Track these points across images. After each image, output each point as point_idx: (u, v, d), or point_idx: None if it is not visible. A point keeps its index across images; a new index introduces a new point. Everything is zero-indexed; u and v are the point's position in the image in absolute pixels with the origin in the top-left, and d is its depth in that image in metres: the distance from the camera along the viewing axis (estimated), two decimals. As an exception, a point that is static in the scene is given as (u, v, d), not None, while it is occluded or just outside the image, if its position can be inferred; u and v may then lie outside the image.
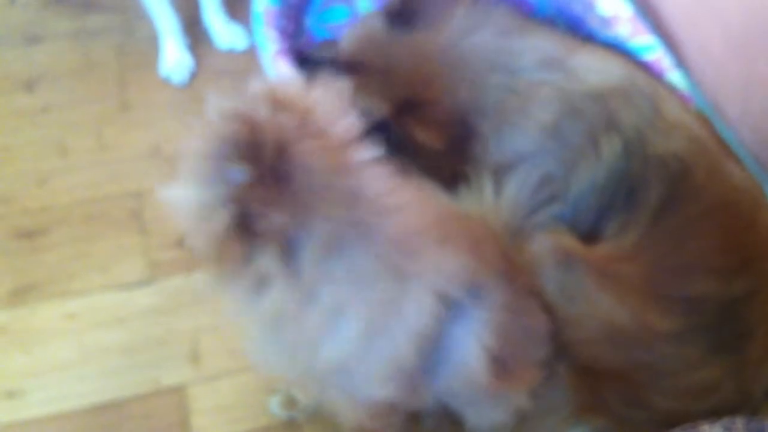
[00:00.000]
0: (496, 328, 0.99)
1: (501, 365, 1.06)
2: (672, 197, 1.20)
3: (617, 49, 1.41)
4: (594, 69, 1.30)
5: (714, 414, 1.07)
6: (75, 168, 1.69)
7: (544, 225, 1.24)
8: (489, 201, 1.27)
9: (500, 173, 1.28)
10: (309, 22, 1.68)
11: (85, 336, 1.43)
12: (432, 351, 0.95)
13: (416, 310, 0.90)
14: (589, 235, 1.23)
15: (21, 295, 1.47)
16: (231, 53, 1.96)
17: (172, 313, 1.46)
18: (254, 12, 1.51)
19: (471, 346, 0.98)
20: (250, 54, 1.95)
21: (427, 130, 1.32)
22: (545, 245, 1.20)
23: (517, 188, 1.28)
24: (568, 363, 1.19)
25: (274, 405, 1.34)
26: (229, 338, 1.42)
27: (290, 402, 1.34)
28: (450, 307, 0.93)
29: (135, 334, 1.43)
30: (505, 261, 1.09)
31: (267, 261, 0.82)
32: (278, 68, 1.44)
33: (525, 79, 1.30)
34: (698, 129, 1.26)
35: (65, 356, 1.40)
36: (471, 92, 1.32)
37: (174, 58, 1.87)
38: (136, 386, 1.36)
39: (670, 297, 1.16)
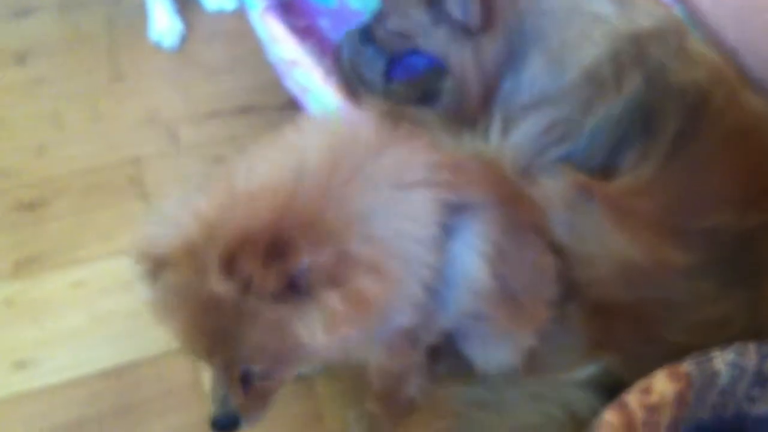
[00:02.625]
0: (495, 244, 0.98)
1: (509, 299, 1.06)
2: (690, 126, 1.19)
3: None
4: (646, 11, 1.29)
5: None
6: (72, 139, 1.68)
7: (553, 165, 1.23)
8: (494, 142, 1.26)
9: (517, 117, 1.27)
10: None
11: (93, 303, 1.43)
12: (440, 267, 0.94)
13: (416, 222, 0.91)
14: (604, 171, 1.22)
15: (26, 266, 1.47)
16: (221, 14, 1.95)
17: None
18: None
19: (472, 259, 0.97)
20: (240, 14, 1.93)
21: None
22: (554, 185, 1.19)
23: (524, 131, 1.28)
24: (579, 302, 1.18)
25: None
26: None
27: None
28: (447, 218, 0.93)
29: (141, 300, 1.42)
30: (506, 190, 1.08)
31: None
32: (267, 26, 1.42)
33: (588, 8, 1.28)
34: (719, 61, 1.25)
35: (75, 324, 1.40)
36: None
37: (163, 23, 1.85)
38: (146, 349, 1.36)
39: (685, 230, 1.15)
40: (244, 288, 0.79)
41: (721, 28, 1.46)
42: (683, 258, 1.13)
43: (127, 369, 1.34)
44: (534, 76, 1.32)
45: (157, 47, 1.85)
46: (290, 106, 1.70)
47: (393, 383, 1.17)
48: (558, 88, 1.30)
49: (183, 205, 0.88)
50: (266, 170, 0.89)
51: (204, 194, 0.89)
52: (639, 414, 1.01)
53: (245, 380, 0.88)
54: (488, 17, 1.31)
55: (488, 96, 1.36)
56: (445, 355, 1.21)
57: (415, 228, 0.91)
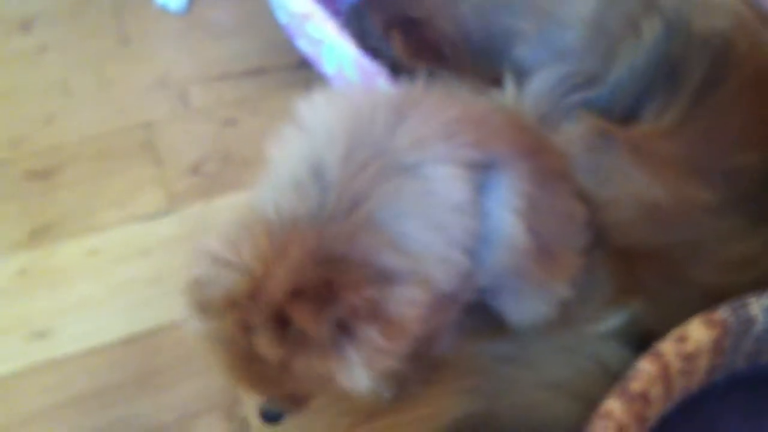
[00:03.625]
0: (526, 198, 0.95)
1: (543, 251, 1.03)
2: (714, 74, 1.15)
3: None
4: None
5: (755, 287, 1.05)
6: (81, 105, 1.65)
7: (575, 111, 1.20)
8: (510, 96, 1.22)
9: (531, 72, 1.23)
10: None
11: (109, 270, 1.40)
12: (475, 227, 0.92)
13: (452, 188, 0.88)
14: (626, 119, 1.19)
15: (39, 235, 1.44)
16: (228, -25, 1.90)
17: (195, 240, 1.42)
18: None
19: (506, 215, 0.94)
20: (248, -26, 1.89)
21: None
22: (575, 128, 1.16)
23: (541, 79, 1.24)
24: (604, 248, 1.15)
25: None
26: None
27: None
28: (476, 177, 0.90)
29: (160, 264, 1.40)
30: (529, 140, 1.05)
31: None
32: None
33: None
34: (738, 5, 1.20)
35: (92, 292, 1.38)
36: None
37: (169, -16, 1.81)
38: (166, 315, 1.33)
39: (709, 171, 1.12)
40: (294, 342, 0.79)
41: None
42: (708, 196, 1.10)
43: (146, 336, 1.32)
44: (530, 53, 1.28)
45: (164, 10, 1.81)
46: (302, 66, 1.66)
47: (424, 341, 1.14)
48: (572, 42, 1.26)
49: (227, 244, 0.86)
50: (288, 190, 0.88)
51: (242, 231, 0.87)
52: (675, 363, 0.99)
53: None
54: (419, 48, 1.29)
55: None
56: (472, 311, 1.18)
57: (449, 199, 0.89)
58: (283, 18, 1.50)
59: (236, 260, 0.82)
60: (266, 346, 0.79)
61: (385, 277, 0.82)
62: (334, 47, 1.34)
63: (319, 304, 0.78)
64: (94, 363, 1.29)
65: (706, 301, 1.06)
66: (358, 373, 0.81)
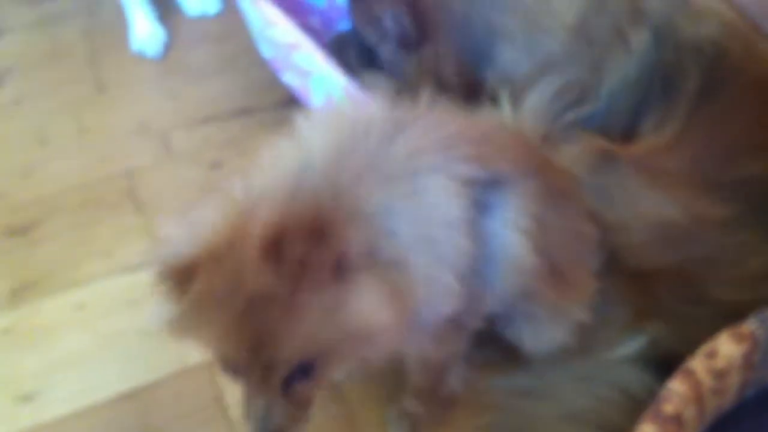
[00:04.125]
0: (534, 217, 0.91)
1: (555, 273, 0.99)
2: (710, 82, 1.14)
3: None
4: None
5: (774, 301, 1.01)
6: (59, 155, 1.59)
7: (573, 129, 1.17)
8: (507, 113, 1.19)
9: (527, 85, 1.20)
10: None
11: (98, 324, 1.33)
12: (480, 247, 0.87)
13: (441, 208, 0.83)
14: (625, 135, 1.16)
15: (22, 293, 1.37)
16: (204, 18, 1.87)
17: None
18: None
19: (512, 236, 0.90)
20: (224, 17, 1.87)
21: None
22: (576, 149, 1.13)
23: (537, 97, 1.21)
24: (618, 271, 1.11)
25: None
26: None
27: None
28: (477, 197, 0.86)
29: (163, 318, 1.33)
30: (536, 158, 1.01)
31: None
32: (261, 10, 1.35)
33: None
34: (727, 12, 1.19)
35: (80, 348, 1.30)
36: None
37: (145, 30, 1.77)
38: (161, 368, 1.26)
39: (718, 183, 1.09)
40: (293, 275, 0.72)
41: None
42: (720, 211, 1.08)
43: (142, 392, 1.24)
44: (512, 57, 1.26)
45: (140, 56, 1.77)
46: (287, 105, 1.63)
47: (434, 376, 1.09)
48: (556, 50, 1.23)
49: (194, 218, 0.83)
50: (269, 175, 0.84)
51: (213, 203, 0.84)
52: (706, 381, 0.94)
53: (285, 389, 0.80)
54: (423, 28, 1.27)
55: (470, 93, 1.30)
56: (483, 343, 1.13)
57: (441, 214, 0.84)
58: (267, 52, 1.46)
59: (215, 217, 0.79)
60: (264, 275, 0.72)
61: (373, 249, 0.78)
62: (323, 77, 1.30)
63: (316, 237, 0.72)
64: (88, 424, 1.22)
65: (726, 319, 1.02)
66: (377, 303, 0.76)
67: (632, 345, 1.13)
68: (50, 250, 1.44)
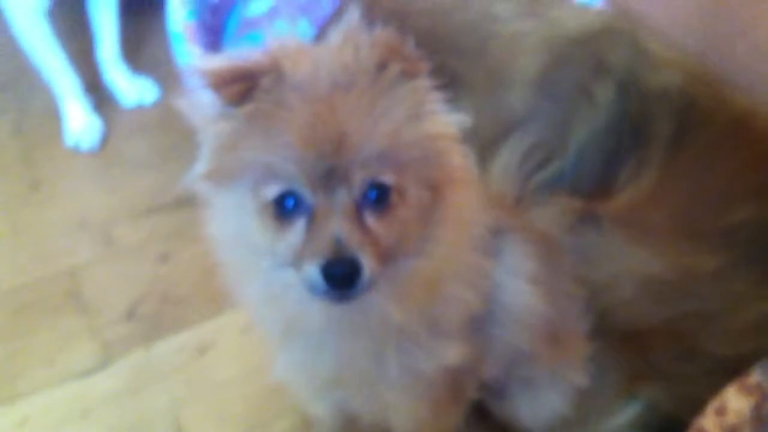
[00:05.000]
0: (533, 269, 0.88)
1: (551, 333, 0.95)
2: (682, 130, 1.12)
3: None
4: (572, 16, 1.24)
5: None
6: (-7, 258, 1.48)
7: (544, 191, 1.13)
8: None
9: (491, 146, 1.16)
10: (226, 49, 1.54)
11: (43, 441, 1.21)
12: (488, 297, 0.84)
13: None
14: (599, 188, 1.13)
15: (-44, 411, 1.24)
16: (141, 108, 1.80)
17: (141, 392, 1.26)
18: (172, 33, 1.36)
19: (520, 283, 0.88)
20: (162, 106, 1.80)
21: None
22: (551, 211, 1.09)
23: (505, 159, 1.18)
24: (608, 332, 1.07)
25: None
26: (214, 404, 1.24)
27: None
28: (490, 243, 0.83)
29: (105, 426, 1.22)
30: (518, 217, 0.98)
31: None
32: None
33: (507, 28, 1.20)
34: (688, 61, 1.19)
35: (25, 472, 1.17)
36: (442, 26, 1.21)
37: (80, 122, 1.69)
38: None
39: (705, 233, 1.07)
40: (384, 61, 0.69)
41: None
42: (710, 261, 1.04)
43: None
44: (474, 109, 1.23)
45: (76, 150, 1.68)
46: (235, 190, 1.55)
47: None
48: (519, 106, 1.21)
49: None
50: None
51: None
52: (720, 438, 0.89)
53: (359, 217, 0.70)
54: None
55: None
56: (476, 424, 1.06)
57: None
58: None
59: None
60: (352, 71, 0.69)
61: None
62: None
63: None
64: None
65: (722, 374, 0.97)
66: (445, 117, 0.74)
67: (629, 412, 1.08)
68: (-15, 361, 1.31)
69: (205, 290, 1.40)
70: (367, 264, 0.68)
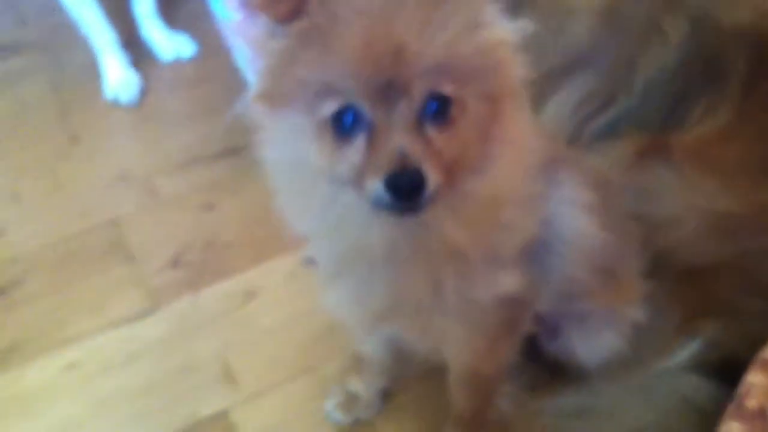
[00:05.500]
0: (589, 199, 0.86)
1: (605, 269, 0.92)
2: (757, 67, 1.08)
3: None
4: None
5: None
6: (35, 211, 1.48)
7: (598, 138, 1.10)
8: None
9: (553, 78, 1.13)
10: None
11: (91, 386, 1.20)
12: (543, 226, 0.81)
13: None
14: (664, 130, 1.09)
15: (5, 357, 1.24)
16: (178, 63, 1.79)
17: (188, 337, 1.25)
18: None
19: (576, 212, 0.85)
20: (199, 61, 1.79)
21: None
22: (611, 152, 1.06)
23: (558, 104, 1.15)
24: (666, 273, 1.03)
25: (333, 410, 1.14)
26: (262, 348, 1.22)
27: (350, 402, 1.14)
28: (547, 171, 0.80)
29: (153, 370, 1.21)
30: (569, 152, 0.95)
31: None
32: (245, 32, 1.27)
33: None
34: (760, 2, 1.15)
35: (73, 413, 1.17)
36: None
37: (118, 77, 1.68)
38: (170, 426, 1.14)
39: None
40: None
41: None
42: None
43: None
44: (555, 36, 1.19)
45: (114, 104, 1.67)
46: (275, 140, 1.54)
47: (482, 396, 0.99)
48: (585, 40, 1.17)
49: None
50: None
51: None
52: (786, 369, 0.85)
53: (421, 131, 0.67)
54: None
55: None
56: (529, 362, 1.04)
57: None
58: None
59: None
60: None
61: None
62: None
63: None
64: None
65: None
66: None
67: (688, 350, 1.05)
68: (33, 309, 1.31)
69: (250, 238, 1.39)
70: (432, 176, 0.66)
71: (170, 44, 1.77)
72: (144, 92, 1.71)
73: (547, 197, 0.81)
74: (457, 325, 0.86)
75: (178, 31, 1.80)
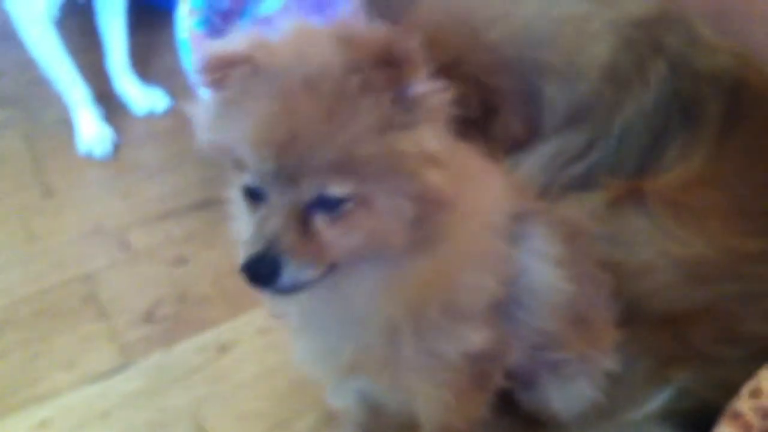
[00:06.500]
0: (558, 252, 0.87)
1: (579, 318, 0.94)
2: (733, 111, 1.13)
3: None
4: (632, 1, 1.24)
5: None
6: (7, 265, 1.48)
7: (575, 184, 1.13)
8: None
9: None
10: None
11: (65, 443, 1.20)
12: (511, 281, 0.83)
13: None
14: (641, 173, 1.13)
15: (-23, 415, 1.23)
16: (152, 117, 1.81)
17: (161, 393, 1.25)
18: (179, 39, 1.36)
19: (546, 266, 0.86)
20: (172, 114, 1.81)
21: None
22: (576, 203, 1.09)
23: (532, 159, 1.18)
24: (640, 319, 1.06)
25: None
26: (236, 403, 1.23)
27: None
28: (513, 228, 0.82)
29: (126, 427, 1.21)
30: (542, 202, 0.98)
31: None
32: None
33: (573, 10, 1.21)
34: (737, 47, 1.20)
35: (48, 474, 1.16)
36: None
37: (92, 130, 1.70)
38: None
39: (754, 214, 1.06)
40: (356, 66, 0.66)
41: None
42: (757, 243, 1.03)
43: None
44: (553, 96, 1.23)
45: (88, 158, 1.69)
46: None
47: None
48: (587, 92, 1.21)
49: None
50: None
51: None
52: (755, 421, 0.88)
53: (307, 219, 0.68)
54: (491, 105, 1.25)
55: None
56: (503, 414, 1.05)
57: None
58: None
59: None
60: (332, 53, 0.67)
61: None
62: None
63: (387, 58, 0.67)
64: None
65: (760, 357, 0.97)
66: (423, 133, 0.69)
67: (660, 399, 1.07)
68: (4, 366, 1.30)
69: (223, 291, 1.40)
70: (295, 266, 0.68)
71: (144, 98, 1.80)
72: (117, 146, 1.72)
73: (514, 254, 0.83)
74: (422, 380, 0.87)
75: (151, 85, 1.82)
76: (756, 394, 0.89)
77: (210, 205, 1.57)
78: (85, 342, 1.33)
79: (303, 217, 0.68)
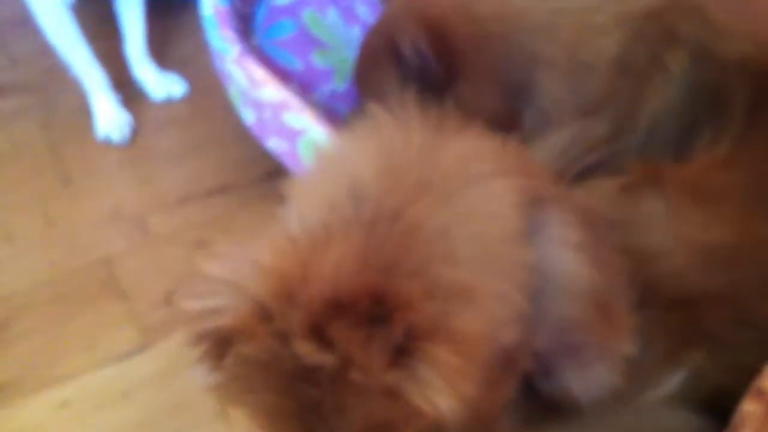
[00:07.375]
0: (577, 237, 0.84)
1: (600, 302, 0.93)
2: (759, 99, 1.10)
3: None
4: None
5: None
6: (27, 250, 1.48)
7: (592, 170, 1.12)
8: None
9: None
10: (257, 40, 1.54)
11: (85, 423, 1.21)
12: (534, 273, 0.80)
13: (497, 219, 0.75)
14: (675, 160, 1.12)
15: (-1, 395, 1.24)
16: (169, 102, 1.81)
17: (181, 374, 1.26)
18: (204, 17, 1.37)
19: (567, 252, 0.83)
20: (191, 99, 1.81)
21: None
22: (604, 183, 1.08)
23: (552, 142, 1.17)
24: (654, 302, 1.05)
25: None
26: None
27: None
28: (531, 213, 0.79)
29: (146, 407, 1.21)
30: (557, 188, 0.96)
31: None
32: (247, 71, 1.29)
33: (571, 3, 1.20)
34: (757, 31, 1.18)
35: (68, 452, 1.17)
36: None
37: (110, 116, 1.70)
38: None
39: None
40: (342, 361, 0.60)
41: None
42: None
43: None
44: (553, 86, 1.22)
45: (106, 143, 1.69)
46: (268, 178, 1.57)
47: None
48: (602, 88, 1.20)
49: (236, 262, 0.68)
50: (320, 206, 0.70)
51: (257, 244, 0.69)
52: (781, 400, 0.87)
53: None
54: (454, 67, 1.22)
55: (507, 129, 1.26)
56: (522, 399, 1.04)
57: (498, 225, 0.76)
58: (250, 118, 1.39)
59: (254, 268, 0.64)
60: (308, 355, 0.59)
61: (436, 286, 0.66)
62: (314, 137, 1.24)
63: (373, 323, 0.60)
64: None
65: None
66: (436, 393, 0.62)
67: (672, 382, 1.06)
68: (25, 348, 1.31)
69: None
70: None
71: (161, 84, 1.80)
72: (135, 131, 1.73)
73: (533, 241, 0.82)
74: None
75: (168, 72, 1.82)
76: (780, 372, 0.88)
77: (229, 189, 1.58)
78: (105, 324, 1.34)
79: None
